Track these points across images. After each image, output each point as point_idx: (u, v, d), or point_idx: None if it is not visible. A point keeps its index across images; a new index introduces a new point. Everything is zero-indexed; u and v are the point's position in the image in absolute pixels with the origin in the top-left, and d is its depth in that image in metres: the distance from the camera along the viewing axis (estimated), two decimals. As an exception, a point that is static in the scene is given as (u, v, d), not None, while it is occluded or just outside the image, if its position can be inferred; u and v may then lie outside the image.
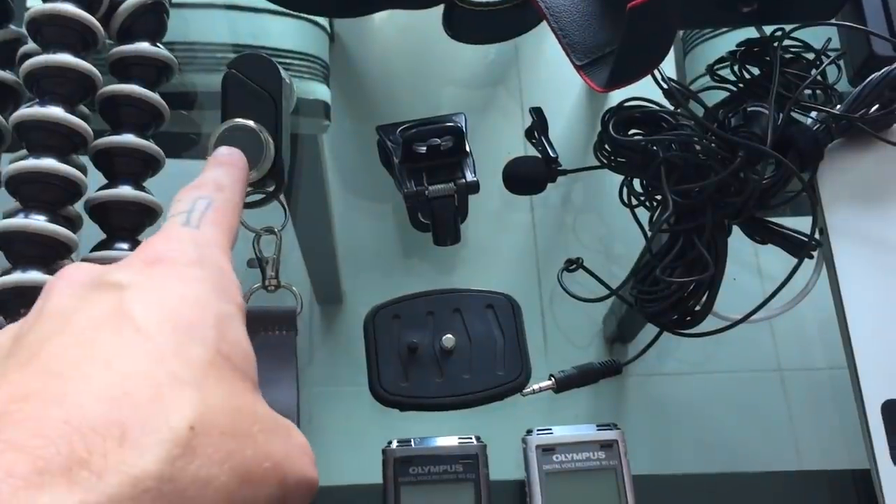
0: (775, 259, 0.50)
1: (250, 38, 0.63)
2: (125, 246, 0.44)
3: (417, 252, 0.55)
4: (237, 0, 0.64)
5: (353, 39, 0.78)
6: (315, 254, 0.81)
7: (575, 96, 0.69)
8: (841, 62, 0.52)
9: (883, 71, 0.48)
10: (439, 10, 0.52)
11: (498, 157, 0.53)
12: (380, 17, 0.57)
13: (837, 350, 0.47)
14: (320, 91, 0.61)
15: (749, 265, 0.54)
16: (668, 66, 0.67)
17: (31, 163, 0.41)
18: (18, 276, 0.39)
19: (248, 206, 0.48)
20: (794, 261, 0.46)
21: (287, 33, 0.64)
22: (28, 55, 0.46)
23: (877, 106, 0.49)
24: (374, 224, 0.64)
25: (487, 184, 0.50)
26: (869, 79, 0.48)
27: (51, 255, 0.41)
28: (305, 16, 0.64)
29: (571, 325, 0.59)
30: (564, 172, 0.50)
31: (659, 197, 0.46)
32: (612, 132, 0.47)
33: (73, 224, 0.44)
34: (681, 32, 0.63)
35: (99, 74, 0.45)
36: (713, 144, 0.45)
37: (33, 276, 0.40)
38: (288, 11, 0.60)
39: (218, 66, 0.60)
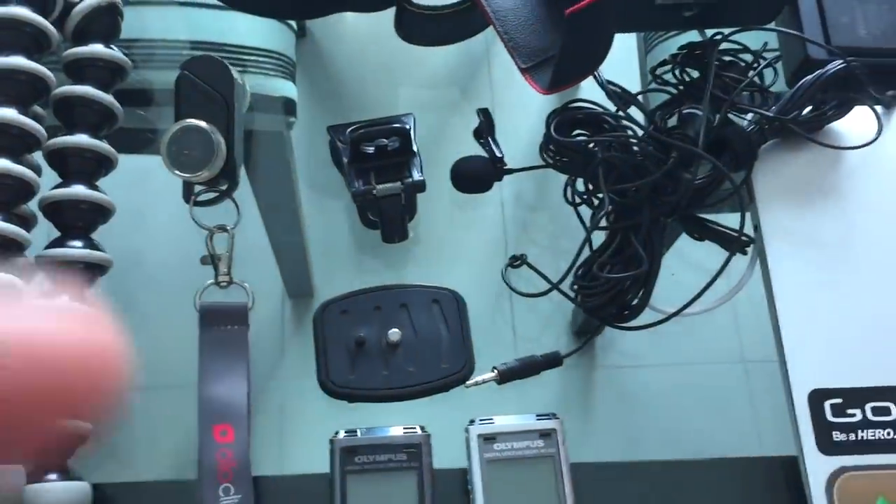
0: (717, 256, 0.52)
1: (216, 35, 0.64)
2: (79, 243, 0.45)
3: (377, 248, 0.57)
4: (200, -3, 0.65)
5: (326, 36, 0.79)
6: (284, 248, 0.82)
7: (543, 96, 0.70)
8: (778, 65, 0.54)
9: (815, 74, 0.50)
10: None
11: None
12: (351, 14, 0.58)
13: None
14: (285, 87, 0.62)
15: (691, 261, 0.56)
16: (632, 64, 0.68)
17: (-17, 163, 0.43)
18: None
19: (201, 204, 0.50)
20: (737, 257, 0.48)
21: (253, 30, 0.64)
22: (-18, 58, 0.47)
23: (810, 108, 0.51)
24: (342, 219, 0.65)
25: (442, 183, 0.52)
26: (801, 82, 0.50)
27: (4, 252, 0.42)
28: (270, 14, 0.64)
29: (538, 319, 0.60)
30: (510, 171, 0.52)
31: (599, 195, 0.48)
32: (552, 133, 0.48)
33: (27, 222, 0.45)
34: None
35: (52, 76, 0.46)
36: (649, 146, 0.47)
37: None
38: (254, 9, 0.60)
39: (178, 64, 0.61)
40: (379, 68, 0.75)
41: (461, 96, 0.75)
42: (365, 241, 0.56)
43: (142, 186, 0.54)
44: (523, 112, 0.66)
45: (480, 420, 0.45)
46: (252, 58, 0.65)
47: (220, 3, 0.61)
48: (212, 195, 0.49)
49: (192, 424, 0.47)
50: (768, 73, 0.53)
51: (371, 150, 0.48)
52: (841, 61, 0.50)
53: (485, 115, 0.52)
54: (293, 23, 0.68)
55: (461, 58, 0.77)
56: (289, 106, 0.63)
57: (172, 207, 0.53)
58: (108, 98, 0.48)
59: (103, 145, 0.47)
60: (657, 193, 0.47)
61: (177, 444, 0.54)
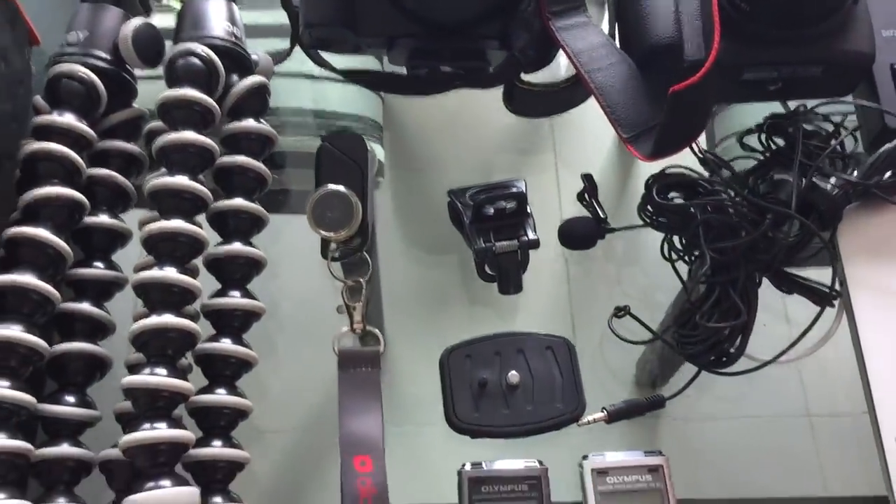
0: (801, 307, 0.56)
1: (311, 104, 0.70)
2: (237, 293, 0.52)
3: (482, 300, 0.62)
4: (303, 69, 0.70)
5: (399, 101, 0.84)
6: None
7: (605, 158, 0.74)
8: (857, 134, 0.58)
9: (894, 142, 0.55)
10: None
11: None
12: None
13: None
14: (375, 150, 0.66)
15: (777, 312, 0.60)
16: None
17: (165, 224, 0.49)
18: (157, 320, 0.47)
19: (338, 259, 0.56)
20: (817, 308, 0.53)
21: (345, 98, 0.69)
22: (154, 131, 0.54)
23: (889, 173, 0.55)
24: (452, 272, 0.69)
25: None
26: (882, 149, 0.55)
27: (181, 301, 0.49)
28: (361, 82, 0.68)
29: (614, 366, 0.64)
30: (613, 230, 0.57)
31: (695, 252, 0.53)
32: (655, 196, 0.54)
33: (193, 274, 0.51)
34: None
35: (217, 148, 0.53)
36: (744, 208, 0.52)
37: (169, 319, 0.47)
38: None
39: (282, 129, 0.64)
40: (451, 132, 0.80)
41: (526, 162, 0.78)
42: (477, 293, 0.61)
43: (275, 242, 0.60)
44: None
45: (593, 454, 0.50)
46: (345, 123, 0.70)
47: (319, 75, 0.66)
48: (347, 251, 0.56)
49: (327, 458, 0.52)
50: (848, 141, 0.58)
51: (491, 211, 0.54)
52: (919, 131, 0.54)
53: (588, 179, 0.58)
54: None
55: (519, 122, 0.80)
56: (378, 167, 0.67)
57: (303, 260, 0.59)
58: (260, 166, 0.54)
59: (257, 207, 0.54)
60: (752, 251, 0.52)
61: (313, 477, 0.59)
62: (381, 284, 0.71)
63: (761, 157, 0.58)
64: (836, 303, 0.54)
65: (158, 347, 0.47)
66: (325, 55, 0.62)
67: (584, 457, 0.50)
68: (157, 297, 0.48)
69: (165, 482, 0.44)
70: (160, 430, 0.45)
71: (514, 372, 0.52)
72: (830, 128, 0.58)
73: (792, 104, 0.59)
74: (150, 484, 0.44)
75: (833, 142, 0.56)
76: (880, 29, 0.61)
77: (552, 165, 0.72)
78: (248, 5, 0.65)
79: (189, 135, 0.51)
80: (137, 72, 0.58)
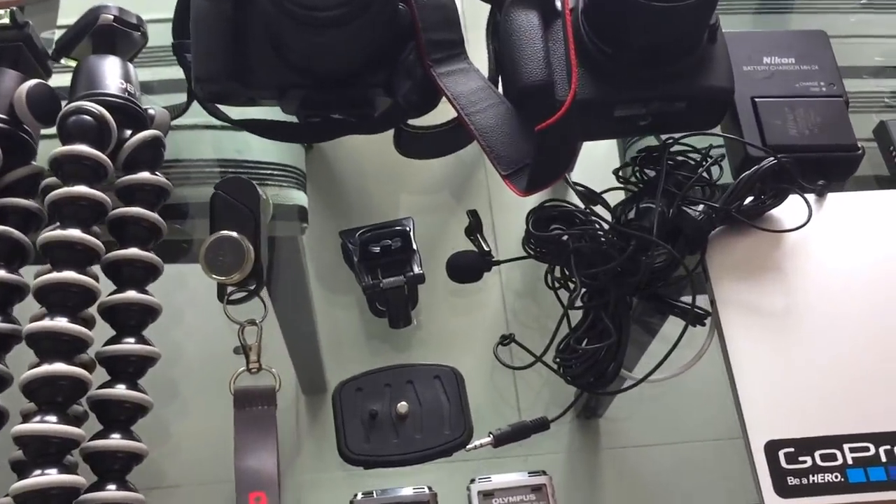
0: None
1: (235, 154, 0.72)
2: (131, 340, 0.53)
3: (385, 334, 0.64)
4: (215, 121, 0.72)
5: (330, 148, 0.87)
6: (299, 345, 0.88)
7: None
8: (724, 162, 0.63)
9: (752, 170, 0.59)
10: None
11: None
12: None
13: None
14: (298, 197, 0.69)
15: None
16: (613, 162, 0.77)
17: (55, 275, 0.51)
18: (46, 368, 0.48)
19: (233, 302, 0.58)
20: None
21: (267, 148, 0.70)
22: (49, 187, 0.56)
23: (751, 198, 0.59)
24: (351, 313, 0.72)
25: (441, 275, 0.60)
26: (740, 177, 0.59)
27: (71, 349, 0.50)
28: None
29: (534, 391, 0.67)
30: (497, 263, 0.60)
31: (573, 279, 0.56)
32: (531, 228, 0.57)
33: (88, 323, 0.53)
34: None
35: (108, 200, 0.55)
36: (613, 236, 0.55)
37: (58, 367, 0.49)
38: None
39: (207, 180, 0.67)
40: (379, 176, 0.83)
41: (455, 199, 0.82)
42: (374, 329, 0.63)
43: (180, 289, 0.62)
44: (517, 210, 0.73)
45: (480, 478, 0.52)
46: (268, 171, 0.72)
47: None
48: (242, 294, 0.58)
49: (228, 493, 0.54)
50: (716, 170, 0.62)
51: (377, 249, 0.57)
52: (772, 158, 0.59)
53: (473, 215, 0.61)
54: (303, 139, 0.75)
55: (456, 166, 0.84)
56: (301, 213, 0.69)
57: (206, 306, 0.61)
58: (154, 216, 0.57)
59: (151, 256, 0.55)
60: (623, 276, 0.55)
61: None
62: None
63: (635, 190, 0.62)
64: (707, 321, 0.57)
65: (48, 395, 0.49)
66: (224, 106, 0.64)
67: (472, 480, 0.52)
68: (47, 346, 0.50)
69: (56, 527, 0.45)
70: (50, 477, 0.46)
71: (403, 402, 0.54)
72: (699, 158, 0.62)
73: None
74: (41, 529, 0.45)
75: (699, 171, 0.60)
76: (741, 64, 0.66)
77: (486, 205, 0.75)
78: (149, 62, 0.68)
79: (80, 189, 0.53)
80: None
